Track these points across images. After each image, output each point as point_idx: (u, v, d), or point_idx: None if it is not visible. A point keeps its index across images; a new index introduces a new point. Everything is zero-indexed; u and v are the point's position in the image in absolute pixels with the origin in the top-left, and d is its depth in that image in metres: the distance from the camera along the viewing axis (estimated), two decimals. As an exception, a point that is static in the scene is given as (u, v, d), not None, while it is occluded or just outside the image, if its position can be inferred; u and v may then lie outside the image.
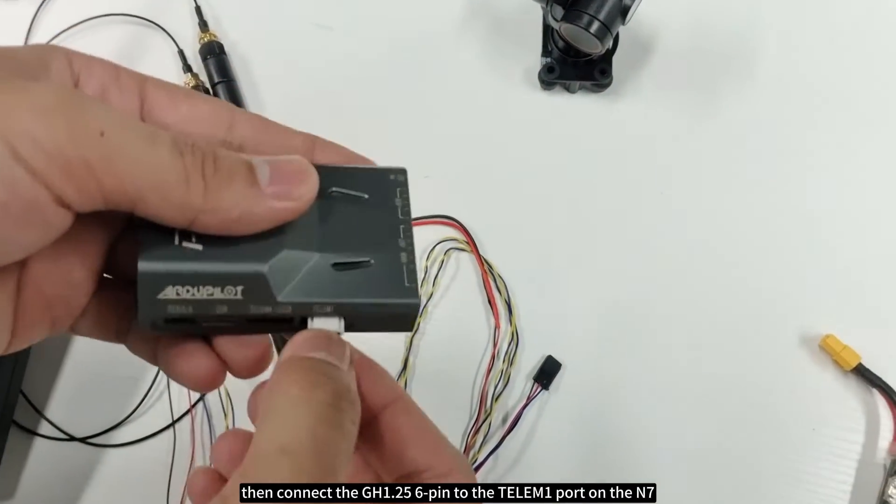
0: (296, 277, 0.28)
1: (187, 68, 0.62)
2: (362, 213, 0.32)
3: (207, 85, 0.62)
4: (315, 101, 0.64)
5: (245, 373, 0.30)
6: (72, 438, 0.57)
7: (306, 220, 0.29)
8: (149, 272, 0.27)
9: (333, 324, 0.29)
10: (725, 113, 0.62)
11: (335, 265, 0.29)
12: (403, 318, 0.30)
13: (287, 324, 0.29)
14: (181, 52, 0.63)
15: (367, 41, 0.65)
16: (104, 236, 0.29)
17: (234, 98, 0.62)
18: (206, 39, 0.63)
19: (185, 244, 0.27)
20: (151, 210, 0.25)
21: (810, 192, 0.60)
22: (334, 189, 0.31)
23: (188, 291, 0.27)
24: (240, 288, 0.28)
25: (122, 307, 0.30)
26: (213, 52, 0.63)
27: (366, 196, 0.32)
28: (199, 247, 0.27)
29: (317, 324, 0.29)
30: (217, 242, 0.28)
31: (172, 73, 0.63)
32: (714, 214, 0.60)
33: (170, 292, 0.27)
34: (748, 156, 0.61)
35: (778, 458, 0.55)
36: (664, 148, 0.62)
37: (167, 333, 0.29)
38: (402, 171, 0.33)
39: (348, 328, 0.30)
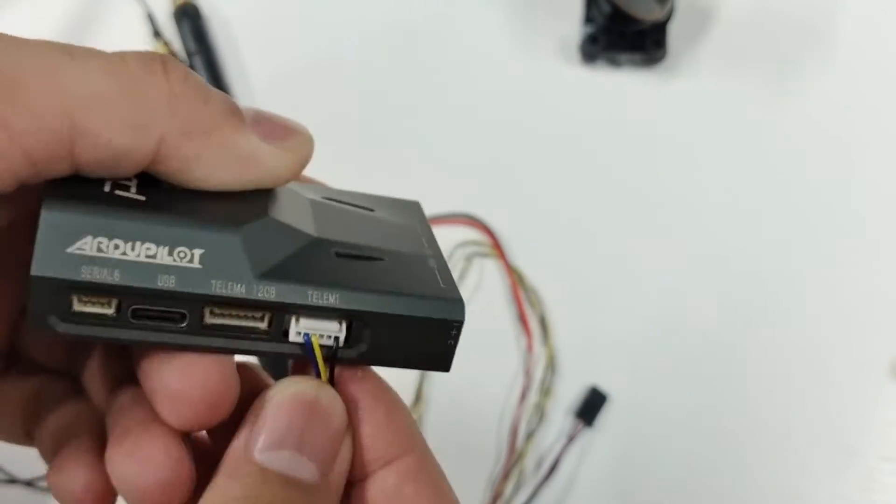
0: (283, 255, 0.21)
1: (157, 35, 0.52)
2: (370, 218, 0.24)
3: (183, 55, 0.52)
4: (312, 76, 0.54)
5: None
6: (14, 481, 0.48)
7: (298, 206, 0.22)
8: (57, 217, 0.18)
9: (330, 328, 0.21)
10: (806, 93, 0.52)
11: (338, 254, 0.22)
12: (439, 331, 0.21)
13: (260, 335, 0.21)
14: (150, 15, 0.53)
15: (375, 6, 0.55)
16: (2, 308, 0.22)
17: (213, 72, 0.52)
18: (181, 0, 0.53)
19: (119, 192, 0.20)
20: (92, 144, 0.18)
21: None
22: (331, 198, 0.24)
23: (117, 248, 0.19)
24: (198, 252, 0.19)
25: (32, 399, 0.24)
26: (190, 15, 0.53)
27: (372, 209, 0.25)
28: (142, 197, 0.20)
29: (303, 326, 0.21)
30: (169, 195, 0.20)
31: (139, 42, 0.53)
32: (791, 216, 0.51)
33: (88, 245, 0.18)
34: (832, 146, 0.52)
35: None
36: (730, 135, 0.52)
37: (72, 337, 0.19)
38: (416, 203, 0.27)
39: (352, 344, 0.21)
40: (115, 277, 0.19)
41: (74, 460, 0.22)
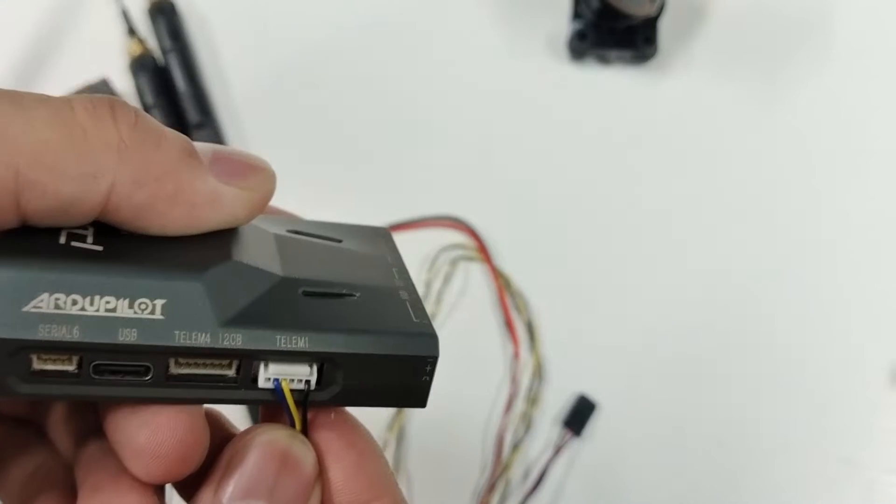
0: (248, 299, 0.20)
1: (132, 32, 0.51)
2: (338, 251, 0.24)
3: (158, 52, 0.51)
4: (292, 75, 0.53)
5: None
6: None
7: (262, 244, 0.22)
8: (10, 275, 0.18)
9: (301, 372, 0.20)
10: (799, 91, 0.51)
11: (306, 293, 0.21)
12: (413, 368, 0.21)
13: (228, 383, 0.20)
14: (125, 12, 0.51)
15: (358, 3, 0.54)
16: None
17: (189, 71, 0.50)
18: (156, -3, 0.51)
19: (75, 244, 0.19)
20: (38, 195, 0.18)
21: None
22: (297, 231, 0.23)
23: (75, 304, 0.18)
24: (159, 303, 0.19)
25: None
26: (165, 13, 0.51)
27: (340, 240, 0.24)
28: (99, 248, 0.19)
29: (273, 371, 0.20)
30: (126, 244, 0.20)
31: (113, 39, 0.51)
32: (786, 219, 0.49)
33: (45, 303, 0.18)
34: (827, 146, 0.50)
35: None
36: (723, 135, 0.51)
37: (34, 397, 0.19)
38: (384, 230, 0.26)
39: (324, 387, 0.21)
40: (75, 334, 0.18)
41: None
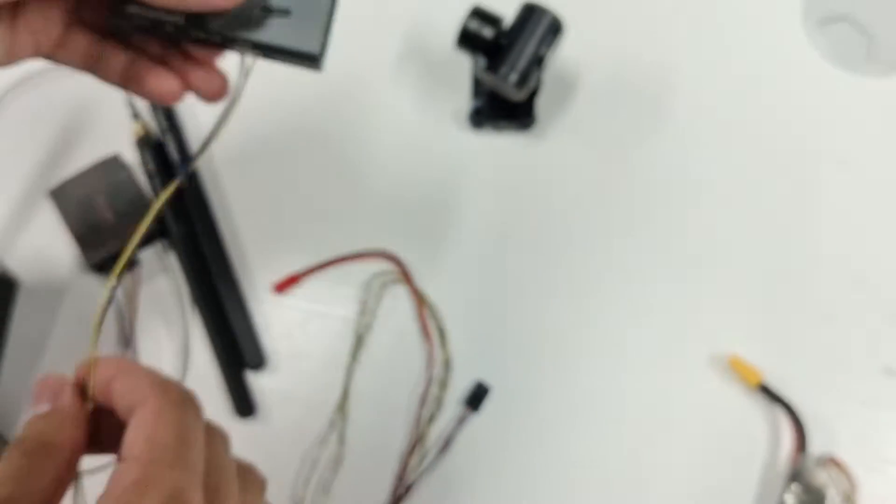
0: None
1: (136, 116, 0.65)
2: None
3: (157, 131, 0.66)
4: (255, 143, 0.66)
5: (209, 95, 0.43)
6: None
7: None
8: None
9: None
10: (643, 156, 0.66)
11: (263, 8, 0.40)
12: (307, 60, 0.42)
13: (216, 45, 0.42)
14: (130, 101, 0.66)
15: (302, 85, 0.68)
16: None
17: (180, 144, 0.65)
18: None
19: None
20: None
21: (720, 221, 0.65)
22: None
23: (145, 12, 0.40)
24: (181, 17, 0.40)
25: (91, 43, 0.41)
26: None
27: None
28: None
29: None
30: None
31: (123, 121, 0.66)
32: (627, 242, 0.64)
33: (133, 9, 0.40)
34: (672, 195, 0.65)
35: (689, 471, 0.59)
36: (580, 186, 0.66)
37: (131, 32, 0.42)
38: None
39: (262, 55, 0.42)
40: (147, 23, 0.41)
41: (162, 73, 0.43)
